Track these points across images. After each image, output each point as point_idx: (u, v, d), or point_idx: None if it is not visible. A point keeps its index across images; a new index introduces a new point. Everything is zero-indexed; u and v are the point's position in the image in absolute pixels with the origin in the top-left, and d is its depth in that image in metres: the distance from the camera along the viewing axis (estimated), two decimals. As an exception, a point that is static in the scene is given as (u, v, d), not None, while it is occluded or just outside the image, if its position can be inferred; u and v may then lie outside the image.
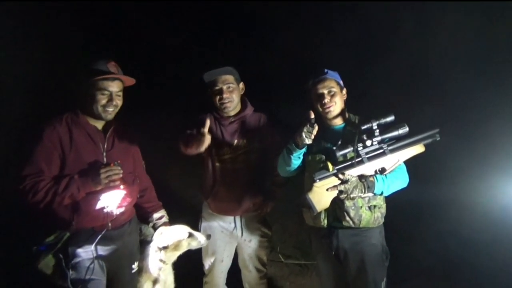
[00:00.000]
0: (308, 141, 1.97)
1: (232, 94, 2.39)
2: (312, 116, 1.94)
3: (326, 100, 2.10)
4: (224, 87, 2.37)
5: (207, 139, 2.13)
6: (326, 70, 2.15)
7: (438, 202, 3.02)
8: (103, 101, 2.01)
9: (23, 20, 3.20)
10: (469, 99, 2.84)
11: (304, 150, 2.11)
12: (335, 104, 2.11)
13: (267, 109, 2.62)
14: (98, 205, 1.96)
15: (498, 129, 2.73)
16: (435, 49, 3.00)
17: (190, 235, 2.37)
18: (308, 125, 1.94)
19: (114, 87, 2.03)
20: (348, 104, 2.22)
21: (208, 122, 2.16)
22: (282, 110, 2.78)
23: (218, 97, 2.38)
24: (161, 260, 2.32)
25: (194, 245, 2.38)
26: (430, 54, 3.02)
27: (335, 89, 2.12)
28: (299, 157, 2.13)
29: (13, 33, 3.16)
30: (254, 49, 3.54)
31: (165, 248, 2.30)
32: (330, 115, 2.13)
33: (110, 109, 2.03)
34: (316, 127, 1.96)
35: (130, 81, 2.15)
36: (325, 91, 2.11)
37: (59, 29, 3.34)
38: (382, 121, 1.93)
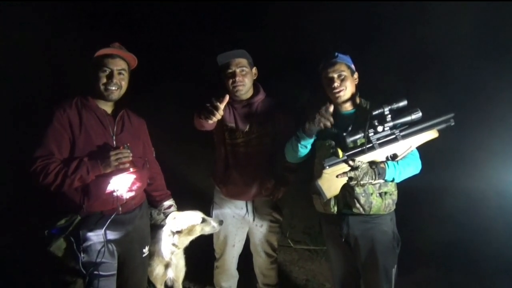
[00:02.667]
0: (318, 127, 1.96)
1: (244, 78, 2.37)
2: (331, 107, 1.93)
3: (336, 84, 2.05)
4: (237, 70, 2.35)
5: (219, 113, 2.05)
6: (336, 54, 2.10)
7: (435, 188, 3.02)
8: (104, 79, 2.01)
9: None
10: (468, 85, 2.81)
11: (312, 140, 2.09)
12: (345, 89, 2.07)
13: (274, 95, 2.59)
14: (108, 189, 1.97)
15: (495, 116, 2.71)
16: (437, 35, 2.96)
17: (203, 220, 2.41)
18: (322, 111, 1.92)
19: (115, 64, 2.03)
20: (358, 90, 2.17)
21: (227, 97, 2.11)
22: (286, 96, 2.76)
23: (230, 80, 2.36)
24: (174, 245, 2.36)
25: (207, 230, 2.42)
26: (432, 41, 2.99)
27: (346, 73, 2.07)
28: (306, 147, 2.11)
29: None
30: (256, 34, 3.51)
31: (178, 232, 2.34)
32: (340, 100, 2.09)
33: (112, 88, 2.02)
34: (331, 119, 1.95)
35: (133, 59, 2.14)
36: (335, 75, 2.06)
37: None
38: (395, 106, 1.86)
